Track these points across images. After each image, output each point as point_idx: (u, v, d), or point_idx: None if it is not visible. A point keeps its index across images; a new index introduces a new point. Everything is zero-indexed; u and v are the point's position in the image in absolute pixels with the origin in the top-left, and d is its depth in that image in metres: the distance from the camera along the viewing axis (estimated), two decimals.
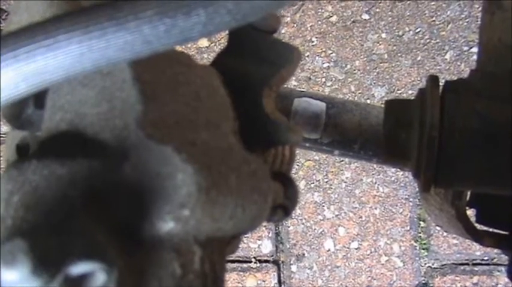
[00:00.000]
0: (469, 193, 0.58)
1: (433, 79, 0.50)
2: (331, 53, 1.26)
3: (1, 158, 1.27)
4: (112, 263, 0.25)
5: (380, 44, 1.26)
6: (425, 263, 1.22)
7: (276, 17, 0.39)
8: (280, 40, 0.39)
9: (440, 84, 0.50)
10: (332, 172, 1.24)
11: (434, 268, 1.22)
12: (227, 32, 0.38)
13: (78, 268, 0.24)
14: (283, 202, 0.37)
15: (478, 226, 0.58)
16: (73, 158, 0.29)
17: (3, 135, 1.28)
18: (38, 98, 0.33)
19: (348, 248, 1.23)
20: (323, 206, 1.24)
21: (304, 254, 1.23)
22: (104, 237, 0.26)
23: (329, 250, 1.23)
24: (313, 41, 1.27)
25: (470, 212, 0.58)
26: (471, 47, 1.24)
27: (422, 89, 0.51)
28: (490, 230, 0.58)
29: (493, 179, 0.49)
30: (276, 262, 1.23)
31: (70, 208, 0.27)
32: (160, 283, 0.28)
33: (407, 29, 1.26)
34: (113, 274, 0.25)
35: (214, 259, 0.31)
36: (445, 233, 1.21)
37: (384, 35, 1.26)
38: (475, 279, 1.21)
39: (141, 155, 0.29)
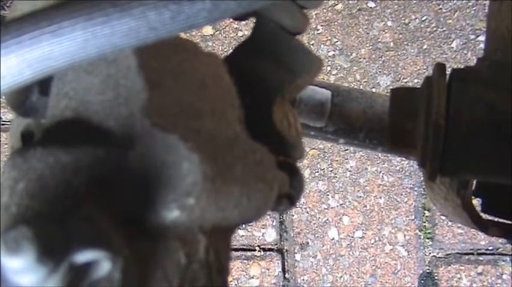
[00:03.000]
0: (474, 182, 0.58)
1: (440, 67, 0.49)
2: (337, 41, 1.26)
3: (5, 146, 1.27)
4: (117, 251, 0.25)
5: (386, 33, 1.25)
6: (429, 253, 1.22)
7: (304, 17, 0.38)
8: (303, 46, 0.38)
9: (447, 72, 0.49)
10: (337, 160, 1.24)
11: (439, 257, 1.22)
12: (231, 19, 0.37)
13: (83, 256, 0.24)
14: (288, 191, 0.36)
15: (484, 216, 0.58)
16: (78, 146, 0.28)
17: (8, 123, 1.28)
18: (43, 85, 0.33)
19: (352, 237, 1.23)
20: (327, 195, 1.23)
21: (308, 243, 1.23)
22: (109, 225, 0.26)
23: (333, 239, 1.23)
24: (318, 29, 1.26)
25: (476, 202, 0.58)
26: (478, 36, 1.23)
27: (429, 77, 0.50)
28: (496, 219, 0.58)
29: (499, 168, 0.49)
30: (280, 251, 1.24)
31: (75, 195, 0.27)
32: (165, 272, 0.28)
33: (413, 17, 1.25)
34: (118, 262, 0.25)
35: (219, 248, 0.31)
36: (449, 223, 1.21)
37: (389, 23, 1.25)
38: (480, 269, 1.21)
39: (146, 143, 0.29)
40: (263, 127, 0.35)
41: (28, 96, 0.34)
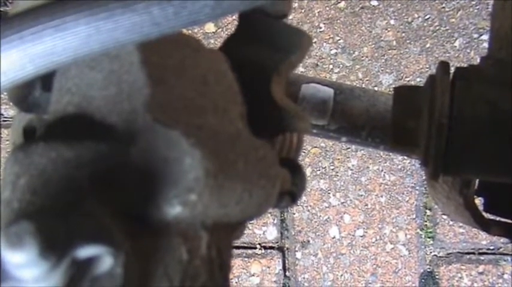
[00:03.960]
0: (477, 181, 0.58)
1: (444, 66, 0.49)
2: (339, 40, 1.26)
3: (7, 142, 1.27)
4: (119, 247, 0.25)
5: (388, 31, 1.25)
6: (430, 252, 1.22)
7: (286, 2, 0.38)
8: (290, 25, 0.39)
9: (451, 71, 0.49)
10: (338, 159, 1.24)
11: (440, 256, 1.22)
12: (235, 16, 0.37)
13: (85, 252, 0.24)
14: (290, 188, 0.36)
15: (486, 215, 0.58)
16: (80, 141, 0.28)
17: (9, 119, 1.28)
18: (45, 80, 0.33)
19: (353, 235, 1.23)
20: (329, 193, 1.23)
21: (309, 241, 1.23)
22: (111, 221, 0.26)
23: (334, 237, 1.23)
24: (320, 27, 1.26)
25: (478, 201, 0.58)
26: (481, 35, 1.23)
27: (432, 75, 0.50)
28: (498, 219, 0.58)
29: (501, 167, 0.48)
30: (280, 249, 1.24)
31: (77, 191, 0.27)
32: (166, 268, 0.28)
33: (416, 15, 1.25)
34: (120, 258, 0.25)
35: (221, 245, 0.31)
36: (451, 222, 1.21)
37: (392, 22, 1.25)
38: (481, 268, 1.20)
39: (148, 139, 0.28)
40: (264, 106, 0.35)
41: (30, 92, 0.34)
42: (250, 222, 1.20)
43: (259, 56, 0.37)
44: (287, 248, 1.24)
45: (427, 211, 1.22)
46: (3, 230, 0.23)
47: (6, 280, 0.23)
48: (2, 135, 1.28)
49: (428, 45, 1.24)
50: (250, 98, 0.35)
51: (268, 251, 1.24)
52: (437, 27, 1.24)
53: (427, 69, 1.23)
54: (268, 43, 0.38)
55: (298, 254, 1.23)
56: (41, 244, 0.23)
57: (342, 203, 1.23)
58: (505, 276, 1.20)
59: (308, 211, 1.23)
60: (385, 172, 1.23)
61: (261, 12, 0.38)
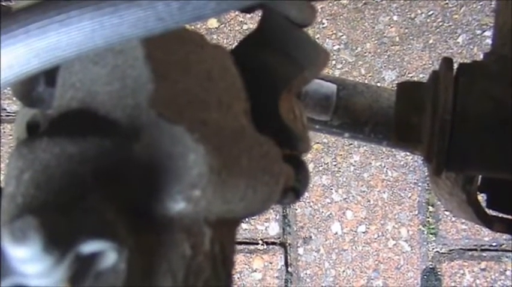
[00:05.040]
0: (479, 177, 0.58)
1: (447, 62, 0.49)
2: (342, 36, 1.25)
3: (10, 137, 1.27)
4: (123, 242, 0.25)
5: (391, 27, 1.25)
6: (433, 248, 1.22)
7: (312, 9, 0.37)
8: (310, 38, 0.38)
9: (454, 67, 0.49)
10: (341, 155, 1.24)
11: (442, 253, 1.22)
12: (238, 12, 0.37)
13: (88, 247, 0.24)
14: (294, 184, 0.36)
15: (488, 211, 0.58)
16: (84, 137, 0.28)
17: (13, 114, 1.28)
18: (49, 75, 0.33)
19: (355, 231, 1.23)
20: (331, 189, 1.23)
21: (311, 237, 1.23)
22: (115, 216, 0.26)
23: (336, 233, 1.23)
24: (323, 23, 1.26)
25: (481, 198, 0.58)
26: (484, 31, 1.23)
27: (436, 71, 0.50)
28: (500, 215, 0.58)
29: (505, 164, 0.48)
30: (283, 244, 1.24)
31: (81, 186, 0.27)
32: (170, 264, 0.28)
33: (419, 11, 1.24)
34: (124, 253, 0.25)
35: (224, 240, 0.31)
36: (453, 218, 1.21)
37: (395, 18, 1.25)
38: (483, 265, 1.20)
39: (152, 134, 0.28)
40: (269, 120, 0.35)
41: (34, 87, 0.34)
42: (253, 218, 1.20)
43: (272, 64, 0.36)
44: (289, 244, 1.24)
45: (430, 207, 1.22)
46: (7, 225, 0.23)
47: (9, 274, 0.24)
48: (5, 131, 1.28)
49: (431, 42, 1.24)
50: (257, 99, 0.35)
51: (270, 246, 1.24)
52: (441, 23, 1.24)
53: (430, 66, 1.23)
54: (284, 52, 0.37)
55: (300, 250, 1.23)
56: (44, 239, 0.23)
57: (344, 199, 1.23)
58: (507, 273, 1.20)
59: (310, 206, 1.23)
60: (387, 168, 1.23)
61: (284, 17, 0.37)
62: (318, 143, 1.23)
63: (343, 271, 1.23)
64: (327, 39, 1.25)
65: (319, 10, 1.25)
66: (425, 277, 1.21)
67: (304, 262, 1.23)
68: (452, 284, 1.20)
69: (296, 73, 0.36)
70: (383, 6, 1.25)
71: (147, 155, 0.28)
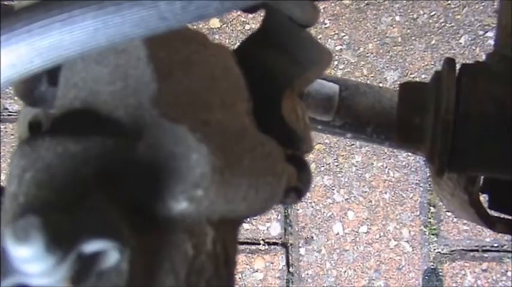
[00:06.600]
0: (482, 178, 0.58)
1: (450, 62, 0.49)
2: (344, 36, 1.25)
3: (12, 136, 1.27)
4: (125, 242, 0.25)
5: (394, 27, 1.25)
6: (434, 249, 1.22)
7: (315, 10, 0.37)
8: (313, 39, 0.38)
9: (457, 68, 0.49)
10: (342, 155, 1.24)
11: (444, 253, 1.22)
12: (240, 12, 0.37)
13: (91, 246, 0.24)
14: (296, 184, 0.36)
15: (490, 212, 0.58)
16: (87, 136, 0.28)
17: (14, 114, 1.28)
18: (52, 75, 0.33)
19: (356, 232, 1.23)
20: (333, 189, 1.23)
21: (312, 237, 1.23)
22: (117, 216, 0.26)
23: (338, 234, 1.23)
24: (325, 23, 1.26)
25: (483, 198, 0.58)
26: (486, 32, 1.23)
27: (438, 72, 0.50)
28: (502, 216, 0.58)
29: (507, 164, 0.48)
30: (284, 245, 1.24)
31: (83, 185, 0.27)
32: (172, 263, 0.28)
33: (421, 12, 1.24)
34: (126, 253, 0.25)
35: (226, 240, 0.31)
36: (455, 219, 1.21)
37: (397, 18, 1.25)
38: (485, 265, 1.20)
39: (155, 134, 0.28)
40: (272, 120, 0.35)
41: (37, 86, 0.34)
42: (254, 218, 1.20)
43: (275, 64, 0.36)
44: (291, 244, 1.24)
45: (431, 208, 1.22)
46: (9, 224, 0.23)
47: (12, 274, 0.23)
48: (7, 130, 1.28)
49: (433, 42, 1.24)
50: (258, 99, 0.35)
51: (272, 247, 1.24)
52: (443, 24, 1.24)
53: (432, 66, 1.23)
54: (287, 52, 0.37)
55: (302, 250, 1.23)
56: (47, 239, 0.23)
57: (346, 199, 1.23)
58: (509, 273, 1.20)
59: (312, 207, 1.23)
60: (389, 169, 1.23)
61: (287, 16, 0.37)
62: (320, 143, 1.23)
63: (345, 272, 1.22)
64: (329, 40, 1.25)
65: (322, 10, 1.25)
66: (426, 277, 1.21)
67: (306, 262, 1.23)
68: (454, 284, 1.20)
69: (299, 73, 0.36)
70: (385, 6, 1.25)
71: (149, 155, 0.28)
